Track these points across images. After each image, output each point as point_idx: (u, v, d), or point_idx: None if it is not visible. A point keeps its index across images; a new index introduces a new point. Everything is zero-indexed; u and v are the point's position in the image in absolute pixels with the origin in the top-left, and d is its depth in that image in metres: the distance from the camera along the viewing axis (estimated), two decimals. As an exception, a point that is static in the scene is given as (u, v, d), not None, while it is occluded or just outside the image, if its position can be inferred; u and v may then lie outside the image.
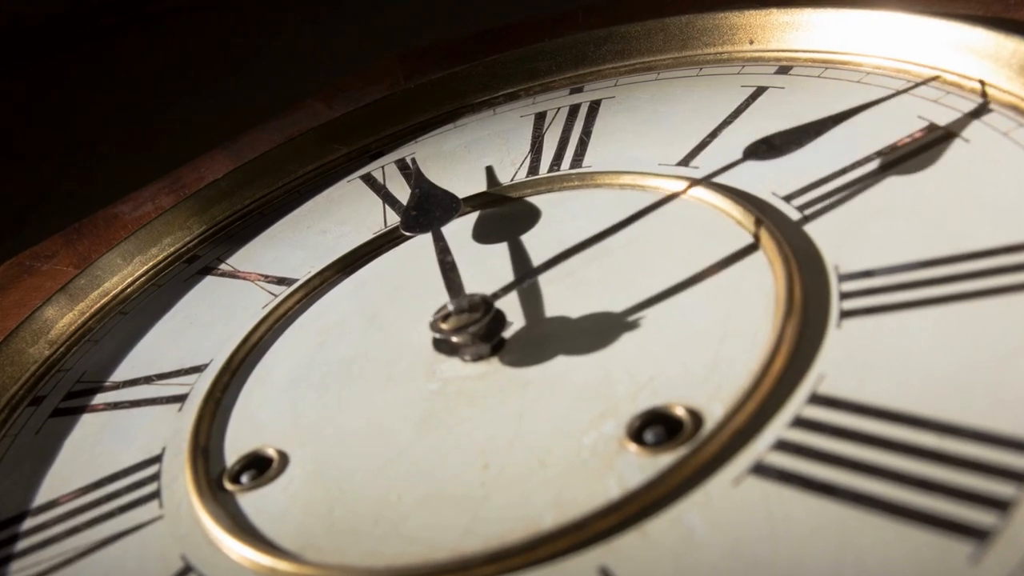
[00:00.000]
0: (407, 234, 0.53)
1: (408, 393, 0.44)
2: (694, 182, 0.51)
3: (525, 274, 0.49)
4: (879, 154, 0.48)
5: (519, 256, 0.51)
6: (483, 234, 0.55)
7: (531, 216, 0.55)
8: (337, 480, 0.41)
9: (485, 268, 0.51)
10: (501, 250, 0.53)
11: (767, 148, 0.48)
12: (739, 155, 0.51)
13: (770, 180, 0.49)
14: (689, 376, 0.39)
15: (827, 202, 0.46)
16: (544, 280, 0.48)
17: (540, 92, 0.71)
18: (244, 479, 0.43)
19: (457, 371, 0.44)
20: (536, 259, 0.50)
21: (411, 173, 0.65)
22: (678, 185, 0.51)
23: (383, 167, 0.68)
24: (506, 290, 0.46)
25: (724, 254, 0.45)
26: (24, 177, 1.19)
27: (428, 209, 0.54)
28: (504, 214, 0.56)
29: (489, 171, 0.61)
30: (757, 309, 0.41)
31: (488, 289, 0.46)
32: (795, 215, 0.46)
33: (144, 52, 1.36)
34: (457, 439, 0.40)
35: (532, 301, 0.47)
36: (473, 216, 0.57)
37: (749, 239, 0.45)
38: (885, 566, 0.29)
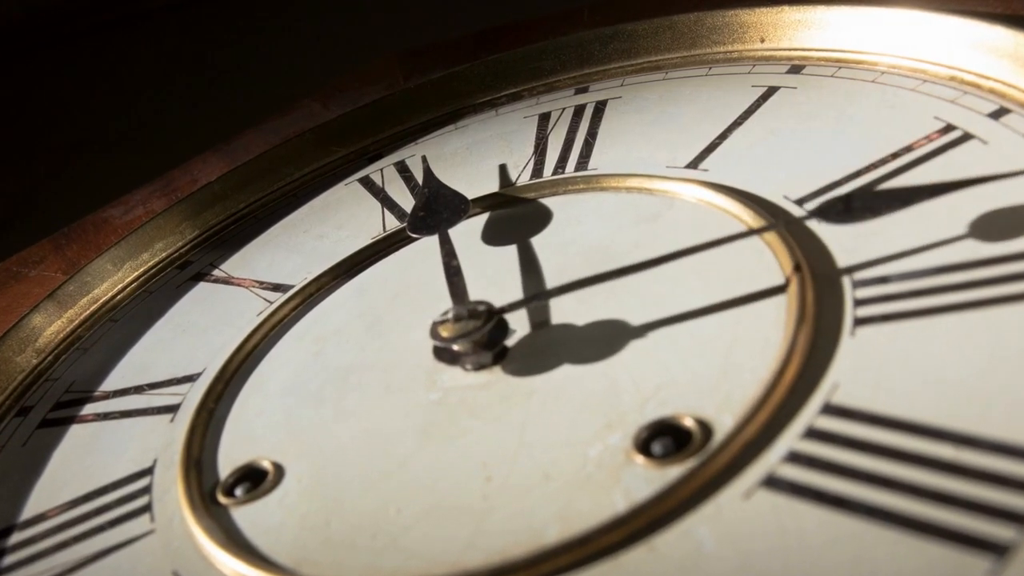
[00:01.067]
0: (414, 236, 0.53)
1: (408, 403, 0.45)
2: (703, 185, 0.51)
3: (529, 282, 0.49)
4: (894, 156, 0.48)
5: (521, 261, 0.52)
6: (488, 236, 0.55)
7: (536, 219, 0.55)
8: (334, 493, 0.41)
9: (486, 273, 0.51)
10: (502, 254, 0.53)
11: (842, 208, 0.46)
12: (750, 156, 0.51)
13: (782, 183, 0.49)
14: (698, 386, 0.39)
15: (841, 206, 0.46)
16: (548, 287, 0.48)
17: (544, 92, 0.71)
18: (238, 492, 0.43)
19: (458, 380, 0.44)
20: (540, 264, 0.51)
21: (411, 176, 0.66)
22: (687, 188, 0.52)
23: (382, 169, 0.69)
24: (513, 305, 0.46)
25: (733, 259, 0.45)
26: (10, 180, 1.20)
27: (436, 210, 0.54)
28: (512, 216, 0.57)
29: (502, 169, 0.61)
30: (768, 317, 0.41)
31: (490, 295, 0.46)
32: (808, 219, 0.46)
33: (135, 50, 1.36)
34: (458, 450, 0.41)
35: (535, 308, 0.47)
36: (475, 219, 0.57)
37: (760, 243, 0.46)
38: (901, 582, 0.29)
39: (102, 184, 0.84)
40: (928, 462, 0.32)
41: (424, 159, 0.65)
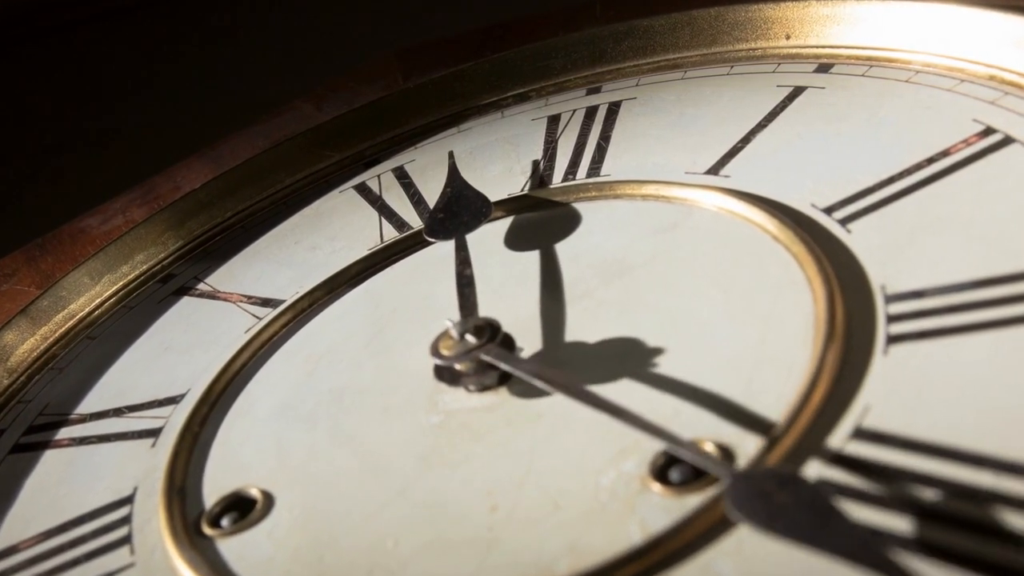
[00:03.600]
0: (430, 240, 0.54)
1: (407, 427, 0.45)
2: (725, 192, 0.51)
3: (537, 295, 0.50)
4: (930, 161, 0.48)
5: (528, 273, 0.52)
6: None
7: (544, 228, 0.55)
8: (328, 524, 0.41)
9: (491, 285, 0.51)
10: (509, 265, 0.53)
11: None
12: (774, 161, 0.51)
13: (809, 190, 0.50)
14: (719, 408, 0.39)
15: (872, 214, 0.46)
16: (557, 301, 0.49)
17: (553, 93, 0.72)
18: (225, 523, 0.43)
19: (461, 402, 0.45)
20: (550, 277, 0.51)
21: (410, 183, 0.66)
22: (707, 196, 0.52)
23: (379, 176, 0.69)
24: (520, 321, 0.46)
25: (757, 272, 0.46)
26: (-20, 187, 1.21)
27: (456, 212, 0.54)
28: (518, 225, 0.57)
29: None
30: (794, 333, 0.41)
31: (495, 309, 0.46)
32: (837, 229, 0.46)
33: (114, 48, 1.37)
34: (461, 478, 0.41)
35: (545, 324, 0.48)
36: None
37: (786, 255, 0.46)
38: (937, 620, 0.30)
39: (79, 191, 0.84)
40: (967, 491, 0.33)
41: (451, 155, 0.65)
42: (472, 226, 0.53)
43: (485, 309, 0.47)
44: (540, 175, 0.61)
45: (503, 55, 0.73)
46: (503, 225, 0.57)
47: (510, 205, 0.59)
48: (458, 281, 0.48)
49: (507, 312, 0.47)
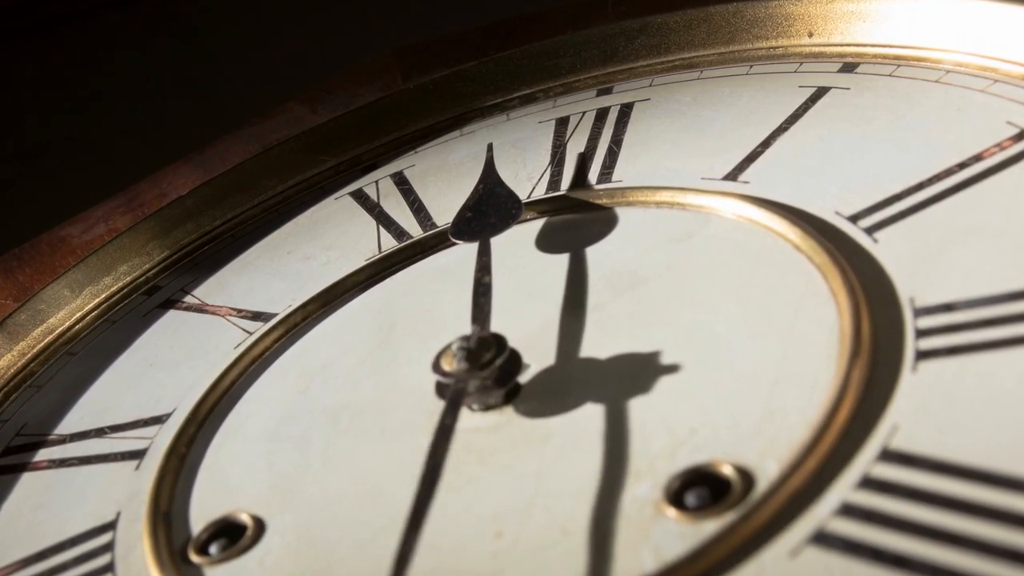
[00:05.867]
0: (455, 242, 0.54)
1: (406, 448, 0.45)
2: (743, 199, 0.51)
3: (546, 309, 0.50)
4: (961, 166, 0.49)
5: (536, 285, 0.52)
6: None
7: (552, 238, 0.56)
8: (322, 551, 0.42)
9: (496, 298, 0.51)
10: (515, 277, 0.53)
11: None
12: (796, 166, 0.51)
13: (833, 197, 0.50)
14: (738, 428, 0.39)
15: (900, 223, 0.47)
16: (566, 314, 0.49)
17: (562, 94, 0.72)
18: (213, 550, 0.44)
19: (464, 422, 0.45)
20: (558, 288, 0.51)
21: (409, 189, 0.66)
22: (725, 203, 0.52)
23: (377, 182, 0.69)
24: (527, 335, 0.46)
25: (778, 284, 0.46)
26: (-47, 194, 1.21)
27: (485, 212, 0.54)
28: (523, 235, 0.57)
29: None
30: (818, 349, 0.41)
31: (501, 323, 0.46)
32: (863, 238, 0.47)
33: (95, 47, 1.38)
34: (464, 503, 0.41)
35: (553, 338, 0.48)
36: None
37: (808, 266, 0.46)
38: (970, 653, 0.30)
39: (59, 198, 0.85)
40: (1001, 516, 0.33)
41: (490, 147, 0.65)
42: (499, 228, 0.53)
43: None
44: (548, 181, 0.61)
45: (508, 54, 0.74)
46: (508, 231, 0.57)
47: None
48: (475, 289, 0.48)
49: (513, 325, 0.47)
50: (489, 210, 0.55)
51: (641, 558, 0.36)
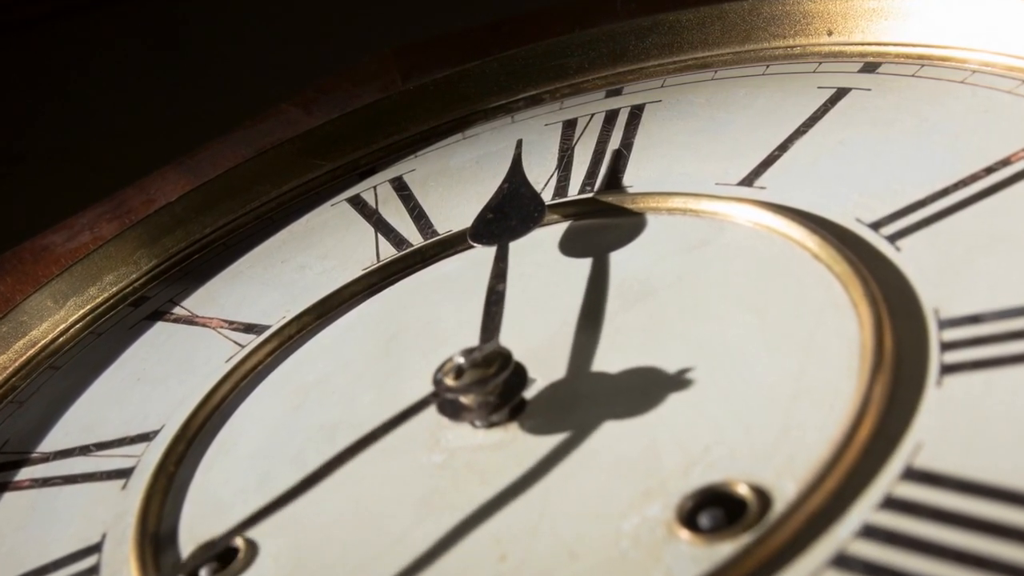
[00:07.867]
0: (474, 244, 0.54)
1: (406, 467, 0.45)
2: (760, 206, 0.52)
3: (552, 320, 0.50)
4: (988, 171, 0.49)
5: (544, 294, 0.52)
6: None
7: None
8: (317, 575, 0.42)
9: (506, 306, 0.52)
10: (519, 286, 0.53)
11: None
12: (815, 171, 0.51)
13: (854, 203, 0.50)
14: (754, 446, 0.39)
15: (924, 230, 0.47)
16: (573, 326, 0.49)
17: (569, 95, 0.72)
18: (203, 574, 0.44)
19: (466, 440, 0.45)
20: (567, 299, 0.51)
21: (409, 195, 0.66)
22: (740, 209, 0.52)
23: (375, 187, 0.69)
24: (533, 348, 0.46)
25: (796, 295, 0.46)
26: (-69, 200, 1.21)
27: (507, 214, 0.54)
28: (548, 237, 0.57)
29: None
30: (838, 363, 0.42)
31: (505, 335, 0.46)
32: (885, 246, 0.47)
33: (80, 48, 1.38)
34: (466, 524, 0.41)
35: (561, 352, 0.48)
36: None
37: (828, 276, 0.46)
38: None
39: (42, 205, 0.85)
40: (1030, 538, 0.33)
41: (519, 144, 0.65)
42: (520, 232, 0.53)
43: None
44: (555, 186, 0.61)
45: (513, 53, 0.74)
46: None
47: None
48: (487, 297, 0.48)
49: (520, 336, 0.47)
50: (511, 212, 0.55)
51: (652, 582, 0.36)
